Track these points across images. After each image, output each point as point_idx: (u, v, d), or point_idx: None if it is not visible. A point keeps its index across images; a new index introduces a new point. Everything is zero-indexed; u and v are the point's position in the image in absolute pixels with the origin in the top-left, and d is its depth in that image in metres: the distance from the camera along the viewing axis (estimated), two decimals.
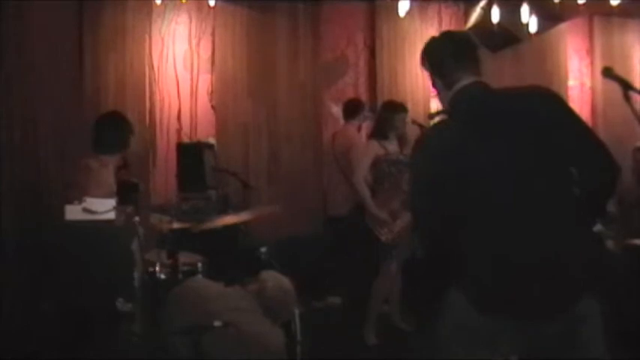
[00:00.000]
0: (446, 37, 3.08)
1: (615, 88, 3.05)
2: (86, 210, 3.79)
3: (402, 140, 6.05)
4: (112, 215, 3.89)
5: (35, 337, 4.84)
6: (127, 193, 4.66)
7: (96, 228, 3.83)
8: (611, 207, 5.06)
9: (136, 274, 4.18)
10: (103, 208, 3.86)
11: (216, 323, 3.63)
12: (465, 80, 2.81)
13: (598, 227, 3.09)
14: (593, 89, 8.96)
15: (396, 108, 6.12)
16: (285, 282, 4.26)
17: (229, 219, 4.83)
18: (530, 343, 2.61)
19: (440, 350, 2.78)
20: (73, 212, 3.79)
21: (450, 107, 2.86)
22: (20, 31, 5.69)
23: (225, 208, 6.01)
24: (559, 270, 2.57)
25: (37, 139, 5.76)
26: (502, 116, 2.68)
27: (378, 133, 6.00)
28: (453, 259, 2.68)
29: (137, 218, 4.32)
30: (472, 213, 2.63)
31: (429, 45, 3.01)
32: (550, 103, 2.73)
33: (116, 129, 4.76)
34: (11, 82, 5.62)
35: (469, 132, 2.69)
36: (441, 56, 2.91)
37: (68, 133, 5.91)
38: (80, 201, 3.82)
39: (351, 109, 6.95)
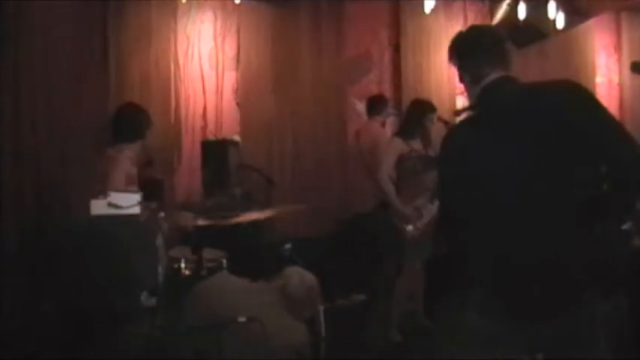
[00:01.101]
0: (473, 30, 3.04)
1: None
2: (111, 204, 3.81)
3: (425, 138, 6.03)
4: (136, 210, 3.91)
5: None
6: (151, 189, 4.68)
7: (121, 222, 3.85)
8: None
9: (160, 269, 4.19)
10: (128, 202, 3.87)
11: (241, 319, 3.64)
12: (493, 75, 2.78)
13: (627, 225, 3.03)
14: (621, 85, 8.88)
15: (425, 107, 6.08)
16: (310, 278, 4.27)
17: (253, 215, 4.83)
18: (532, 344, 2.59)
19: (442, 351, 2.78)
20: (98, 207, 3.81)
21: (478, 102, 2.83)
22: (45, 29, 5.73)
23: (249, 205, 6.01)
24: (573, 271, 2.55)
25: (63, 138, 5.80)
26: (529, 111, 2.65)
27: (405, 131, 5.98)
28: (472, 257, 2.66)
29: (162, 214, 4.33)
30: (496, 209, 2.61)
31: (457, 39, 2.98)
32: (578, 97, 2.68)
33: (130, 118, 4.79)
34: (35, 80, 5.66)
35: (496, 127, 2.66)
36: (468, 50, 2.89)
37: (94, 131, 5.94)
38: (105, 196, 3.84)
39: (375, 105, 6.94)
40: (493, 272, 2.62)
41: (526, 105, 2.68)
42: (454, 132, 3.04)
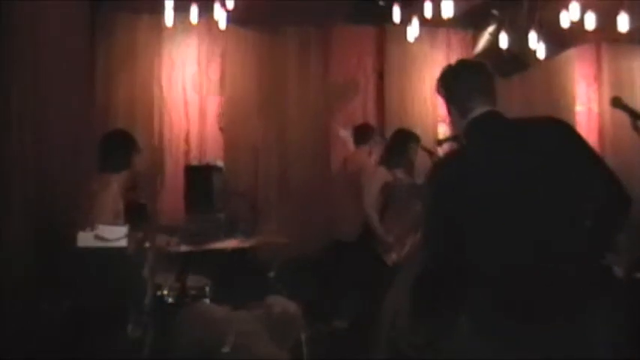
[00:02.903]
0: (462, 65, 3.07)
1: (623, 115, 3.06)
2: (98, 237, 3.80)
3: (409, 166, 6.06)
4: (123, 243, 3.89)
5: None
6: (135, 214, 4.66)
7: (108, 255, 3.83)
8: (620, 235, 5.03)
9: (147, 300, 4.17)
10: (115, 235, 3.87)
11: (225, 349, 3.63)
12: (480, 109, 2.81)
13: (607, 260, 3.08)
14: (600, 115, 8.95)
15: (409, 138, 6.12)
16: (292, 307, 4.28)
17: (236, 243, 4.83)
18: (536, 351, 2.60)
19: None
20: (85, 239, 3.80)
21: (465, 136, 2.86)
22: (33, 47, 5.70)
23: (233, 231, 6.01)
24: (567, 299, 2.57)
25: (49, 156, 5.75)
26: (517, 147, 2.69)
27: (389, 160, 6.01)
28: (463, 284, 2.68)
29: (148, 244, 4.32)
30: (487, 241, 2.64)
31: (445, 72, 3.01)
32: (564, 134, 2.74)
33: (119, 146, 4.70)
34: (23, 98, 5.62)
35: (485, 162, 2.69)
36: (456, 84, 2.92)
37: (78, 152, 5.91)
38: (92, 228, 3.82)
39: (362, 133, 6.94)
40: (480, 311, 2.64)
41: (516, 140, 2.71)
42: (444, 166, 3.05)
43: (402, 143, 6.04)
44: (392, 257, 5.71)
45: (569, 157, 2.67)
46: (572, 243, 2.64)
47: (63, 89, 5.92)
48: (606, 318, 2.64)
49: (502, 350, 2.56)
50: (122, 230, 3.93)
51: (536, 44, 7.40)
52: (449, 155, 3.36)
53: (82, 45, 6.29)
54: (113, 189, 4.46)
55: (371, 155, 6.99)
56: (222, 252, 4.88)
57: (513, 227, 2.62)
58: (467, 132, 2.85)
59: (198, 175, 6.54)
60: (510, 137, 2.75)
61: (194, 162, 7.04)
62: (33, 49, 5.67)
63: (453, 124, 3.00)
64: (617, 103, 3.53)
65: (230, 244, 4.84)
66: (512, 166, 2.66)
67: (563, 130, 2.78)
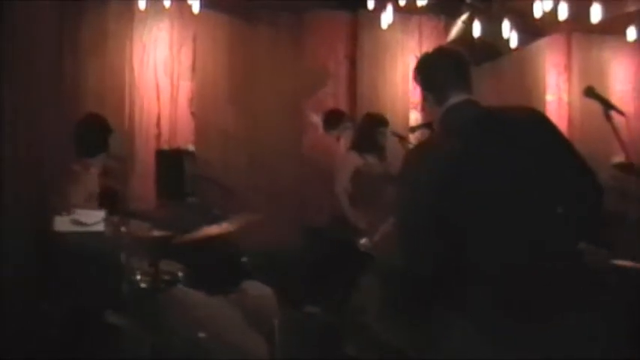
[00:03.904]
0: (439, 53, 3.10)
1: (592, 104, 3.10)
2: (75, 222, 3.76)
3: (380, 151, 6.07)
4: (100, 227, 3.86)
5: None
6: (108, 199, 4.63)
7: (86, 240, 3.79)
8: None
9: (125, 285, 4.14)
10: (93, 219, 3.84)
11: (201, 334, 3.62)
12: (457, 97, 2.82)
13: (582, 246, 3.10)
14: (570, 104, 9.03)
15: (377, 121, 6.15)
16: (267, 291, 4.27)
17: (211, 230, 4.80)
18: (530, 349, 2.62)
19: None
20: (62, 223, 3.76)
21: (441, 124, 2.87)
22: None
23: (205, 217, 5.96)
24: (551, 281, 2.59)
25: (14, 144, 5.66)
26: (494, 135, 2.70)
27: (359, 145, 6.03)
28: (442, 275, 2.67)
29: (124, 228, 4.29)
30: (464, 228, 2.64)
31: (422, 60, 3.03)
32: (540, 123, 2.77)
33: (94, 130, 4.75)
34: None
35: (461, 150, 2.69)
36: (432, 72, 2.93)
37: (46, 138, 5.82)
38: (69, 212, 3.78)
39: (332, 119, 6.94)
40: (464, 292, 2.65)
41: (493, 129, 2.72)
42: (421, 152, 3.04)
43: (371, 127, 6.08)
44: (363, 243, 5.72)
45: (544, 146, 2.69)
46: (551, 231, 2.66)
47: (28, 75, 5.82)
48: (598, 314, 2.66)
49: (494, 349, 2.58)
50: (99, 214, 3.91)
51: (509, 33, 7.44)
52: (424, 143, 3.35)
53: (50, 28, 6.17)
54: (91, 173, 4.45)
55: (339, 141, 7.00)
56: (195, 238, 4.83)
57: (493, 218, 2.63)
58: (443, 119, 2.86)
59: (169, 160, 6.48)
60: (487, 125, 2.76)
61: (165, 146, 6.98)
62: None
63: (429, 112, 3.01)
64: (590, 92, 3.56)
65: (205, 231, 4.80)
66: (489, 155, 2.67)
67: (539, 119, 2.81)
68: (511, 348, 2.55)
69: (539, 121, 2.79)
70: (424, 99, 3.01)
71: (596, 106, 3.45)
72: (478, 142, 2.70)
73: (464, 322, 2.62)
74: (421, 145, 3.43)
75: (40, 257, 4.05)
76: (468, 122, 2.79)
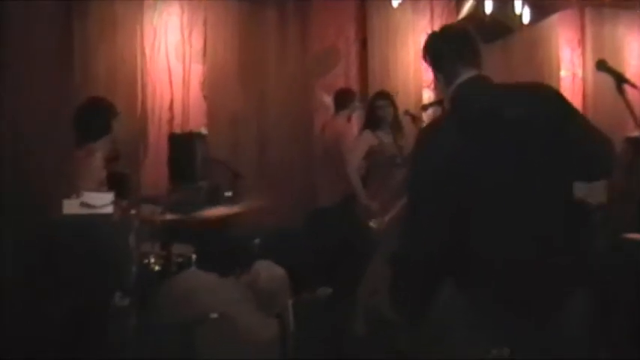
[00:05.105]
0: (446, 31, 3.07)
1: (606, 79, 3.06)
2: (84, 204, 3.75)
3: (395, 129, 6.05)
4: (109, 209, 3.85)
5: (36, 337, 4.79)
6: (117, 184, 4.62)
7: (94, 223, 3.79)
8: (603, 198, 5.04)
9: (134, 268, 4.15)
10: (101, 202, 3.83)
11: (213, 315, 3.64)
12: (466, 74, 2.80)
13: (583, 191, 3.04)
14: (584, 80, 8.98)
15: (375, 96, 6.18)
16: (279, 272, 4.29)
17: (220, 211, 4.82)
18: (520, 340, 2.61)
19: (431, 343, 2.78)
20: (71, 206, 3.75)
21: (452, 102, 2.85)
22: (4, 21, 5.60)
23: (216, 199, 5.98)
24: (556, 267, 2.57)
25: (26, 131, 5.69)
26: (504, 112, 2.68)
27: (369, 123, 6.03)
28: (448, 255, 2.66)
29: (133, 211, 4.29)
30: (474, 209, 2.62)
31: (430, 40, 3.00)
32: (552, 99, 2.75)
33: (95, 113, 4.64)
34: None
35: (472, 127, 2.67)
36: (441, 51, 2.91)
37: (58, 125, 5.84)
38: (78, 195, 3.78)
39: (342, 99, 6.90)
40: (476, 271, 2.63)
41: (503, 105, 2.70)
42: (431, 131, 3.02)
43: (370, 103, 6.10)
44: (374, 224, 5.72)
45: (555, 119, 2.67)
46: (559, 210, 2.65)
47: (38, 63, 5.83)
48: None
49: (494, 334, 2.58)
50: (108, 197, 3.89)
51: (521, 9, 7.38)
52: (435, 122, 3.33)
53: (59, 15, 6.18)
54: (97, 157, 4.41)
55: (350, 121, 6.98)
56: (206, 220, 4.86)
57: (501, 195, 2.61)
58: (453, 97, 2.84)
59: (181, 143, 6.47)
60: (497, 102, 2.74)
61: (178, 130, 6.99)
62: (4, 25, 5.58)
63: (441, 91, 3.00)
64: (602, 66, 3.51)
65: (214, 212, 4.83)
66: (499, 132, 2.65)
67: (553, 96, 2.79)
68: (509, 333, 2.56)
69: (550, 95, 2.78)
70: (435, 78, 3.01)
71: (610, 81, 3.42)
72: (487, 118, 2.69)
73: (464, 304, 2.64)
74: (430, 125, 3.41)
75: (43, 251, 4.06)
76: (477, 98, 2.77)
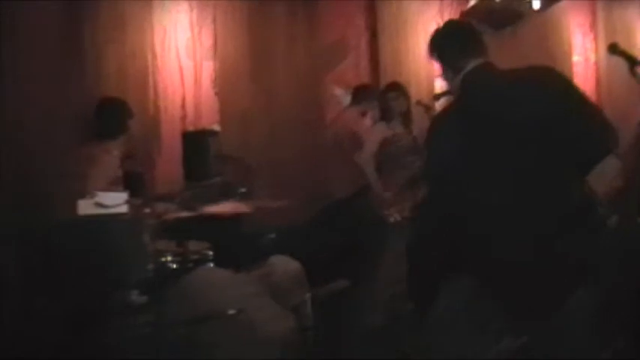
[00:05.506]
0: (449, 25, 3.25)
1: (620, 63, 3.05)
2: (98, 204, 3.78)
3: (406, 120, 6.07)
4: (123, 209, 3.88)
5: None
6: (132, 183, 4.65)
7: (109, 222, 3.82)
8: (619, 181, 5.01)
9: (149, 266, 4.16)
10: (115, 201, 3.85)
11: (231, 311, 3.64)
12: (473, 63, 2.85)
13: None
14: (597, 64, 8.93)
15: (386, 87, 6.19)
16: (295, 266, 4.29)
17: (235, 207, 4.82)
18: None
19: (435, 333, 2.80)
20: (86, 207, 3.78)
21: (459, 92, 2.90)
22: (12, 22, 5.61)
23: (230, 195, 5.98)
24: (564, 265, 2.57)
25: (34, 130, 5.69)
26: (510, 99, 2.71)
27: (382, 116, 6.05)
28: (457, 245, 2.68)
29: (147, 210, 4.31)
30: (481, 199, 2.63)
31: (435, 35, 3.12)
32: (556, 83, 2.76)
33: (113, 112, 4.74)
34: (3, 71, 5.54)
35: (483, 115, 2.71)
36: (446, 45, 3.01)
37: (69, 124, 5.84)
38: (92, 195, 3.81)
39: (360, 93, 6.94)
40: (487, 265, 2.64)
41: (508, 92, 2.73)
42: (441, 120, 3.12)
43: (382, 95, 6.10)
44: (389, 215, 5.71)
45: (557, 101, 2.69)
46: (566, 200, 2.64)
47: (48, 62, 5.82)
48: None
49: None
50: (122, 196, 3.92)
51: None
52: (444, 111, 3.36)
53: (67, 15, 6.18)
54: (113, 156, 4.47)
55: (365, 115, 6.97)
56: (220, 217, 4.87)
57: (508, 184, 2.62)
58: (460, 87, 2.90)
59: (194, 141, 6.48)
60: (503, 90, 2.79)
61: (191, 128, 7.00)
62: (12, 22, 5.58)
63: (450, 84, 3.06)
64: (614, 49, 3.50)
65: (228, 208, 4.83)
66: (506, 120, 2.67)
67: (557, 80, 2.80)
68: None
69: (555, 79, 2.79)
70: (443, 72, 3.08)
71: (623, 65, 3.39)
72: (494, 106, 2.72)
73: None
74: (438, 114, 3.49)
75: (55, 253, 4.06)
76: (483, 87, 2.83)
